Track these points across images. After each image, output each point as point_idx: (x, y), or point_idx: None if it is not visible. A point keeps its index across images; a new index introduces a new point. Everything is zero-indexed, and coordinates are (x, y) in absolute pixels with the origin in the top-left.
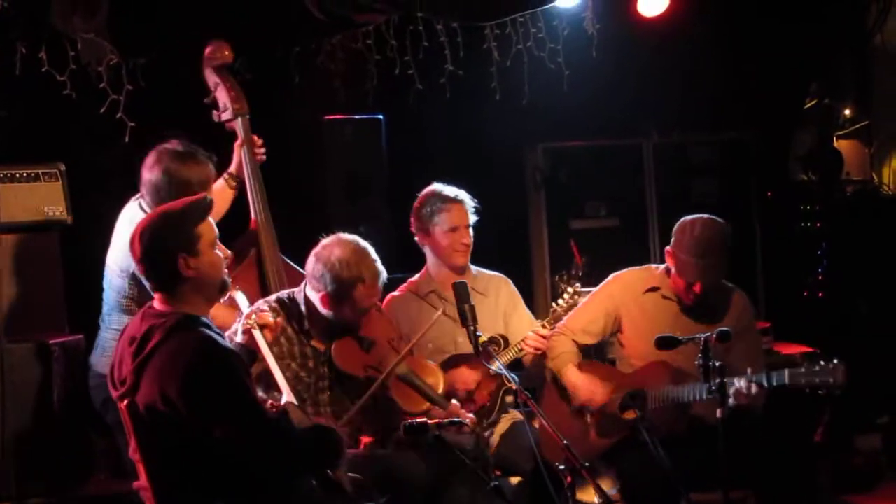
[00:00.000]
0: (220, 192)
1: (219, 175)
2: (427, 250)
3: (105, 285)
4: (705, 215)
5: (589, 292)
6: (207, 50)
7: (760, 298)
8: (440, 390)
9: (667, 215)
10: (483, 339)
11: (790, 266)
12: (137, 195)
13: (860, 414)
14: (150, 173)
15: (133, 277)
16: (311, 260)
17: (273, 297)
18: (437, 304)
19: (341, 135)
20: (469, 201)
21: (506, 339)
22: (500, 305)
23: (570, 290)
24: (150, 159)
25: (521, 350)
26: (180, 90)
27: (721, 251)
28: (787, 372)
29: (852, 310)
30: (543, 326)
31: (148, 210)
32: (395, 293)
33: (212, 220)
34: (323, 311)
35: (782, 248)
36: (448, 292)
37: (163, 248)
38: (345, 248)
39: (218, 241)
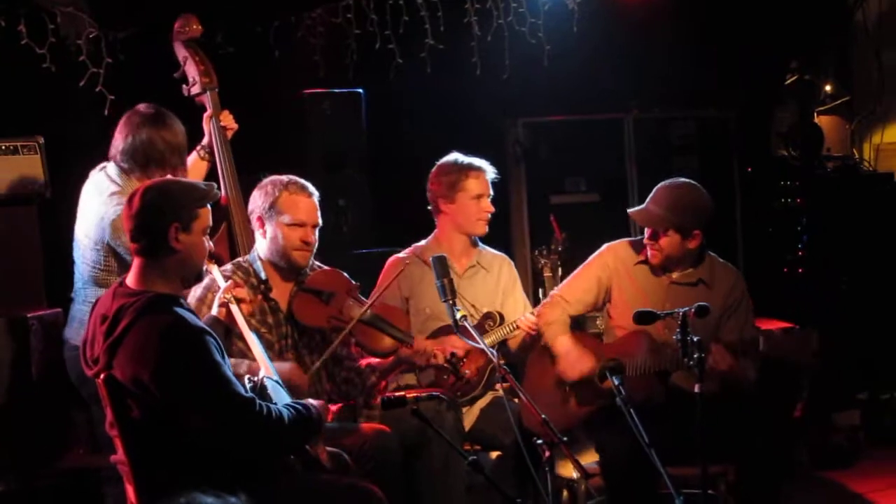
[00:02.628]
0: (194, 165)
1: (192, 148)
2: (442, 217)
3: (77, 259)
4: (694, 182)
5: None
6: (176, 24)
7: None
8: (407, 328)
9: (647, 191)
10: (472, 314)
11: (770, 242)
12: (101, 164)
13: (839, 390)
14: (120, 136)
15: (108, 249)
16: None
17: (227, 265)
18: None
19: (321, 109)
20: (491, 171)
21: (502, 316)
22: (501, 283)
23: None
24: (121, 123)
25: (515, 328)
26: (160, 63)
27: (671, 207)
28: (760, 339)
29: (832, 286)
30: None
31: (115, 177)
32: (401, 254)
33: (210, 211)
34: (265, 242)
35: (762, 223)
36: (455, 261)
37: (161, 210)
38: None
39: (208, 234)
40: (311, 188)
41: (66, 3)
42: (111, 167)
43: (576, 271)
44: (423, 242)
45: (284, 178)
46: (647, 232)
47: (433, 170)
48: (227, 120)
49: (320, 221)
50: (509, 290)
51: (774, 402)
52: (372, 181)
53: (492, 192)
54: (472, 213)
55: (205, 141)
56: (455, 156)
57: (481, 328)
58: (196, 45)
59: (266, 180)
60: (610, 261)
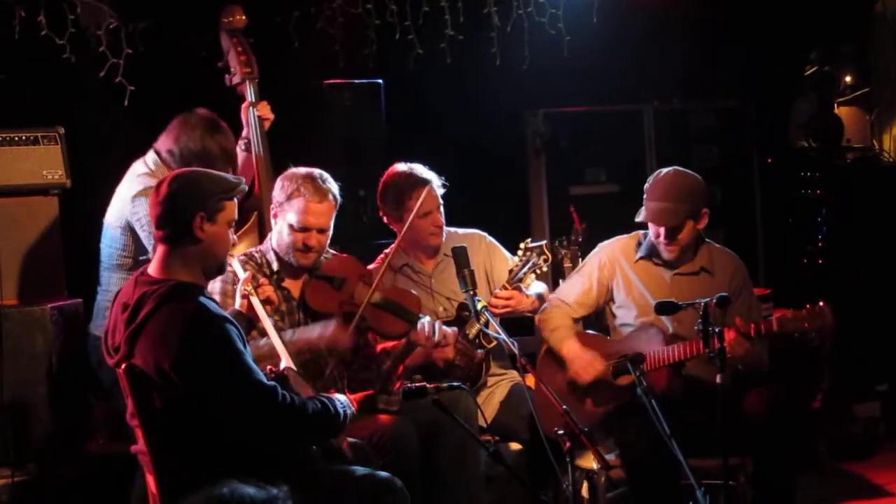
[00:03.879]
0: (240, 159)
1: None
2: (398, 229)
3: (102, 244)
4: (678, 167)
5: (538, 245)
6: (222, 14)
7: (760, 265)
8: (418, 310)
9: None
10: (447, 309)
11: (790, 233)
12: (143, 155)
13: (859, 381)
14: (172, 136)
15: (127, 227)
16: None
17: (241, 254)
18: (413, 277)
19: (341, 100)
20: (436, 180)
21: None
22: (479, 263)
23: (522, 245)
24: (177, 123)
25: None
26: (180, 54)
27: (681, 197)
28: (774, 319)
29: (852, 277)
30: (504, 287)
31: (150, 164)
32: (370, 266)
33: (236, 204)
34: (275, 234)
35: (782, 215)
36: (420, 265)
37: (187, 198)
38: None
39: (233, 227)
40: (326, 187)
41: None
42: (151, 156)
43: (573, 273)
44: (388, 249)
45: (303, 172)
46: (661, 231)
47: (379, 184)
48: (265, 110)
49: (331, 225)
50: (490, 262)
51: (793, 393)
52: None
53: (441, 202)
54: (421, 230)
55: (245, 133)
56: (397, 170)
57: (461, 321)
58: (239, 35)
59: (288, 171)
60: (607, 260)
